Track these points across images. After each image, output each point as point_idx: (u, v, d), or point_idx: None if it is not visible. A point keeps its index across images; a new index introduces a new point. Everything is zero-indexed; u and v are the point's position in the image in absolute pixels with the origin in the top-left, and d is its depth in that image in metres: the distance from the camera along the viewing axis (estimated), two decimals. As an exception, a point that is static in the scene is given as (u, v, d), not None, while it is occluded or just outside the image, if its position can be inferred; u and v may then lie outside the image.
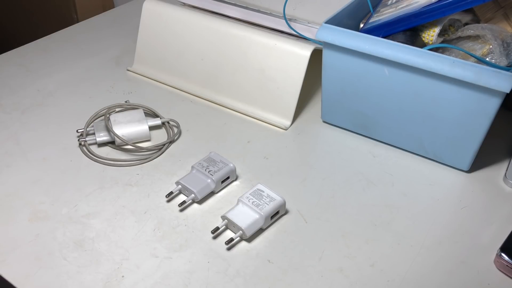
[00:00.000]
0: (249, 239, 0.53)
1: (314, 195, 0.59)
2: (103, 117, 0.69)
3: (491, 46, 0.59)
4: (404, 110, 0.61)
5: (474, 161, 0.61)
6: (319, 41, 0.63)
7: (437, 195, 0.59)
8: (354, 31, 0.60)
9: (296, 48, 0.67)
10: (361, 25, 0.69)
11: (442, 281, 0.49)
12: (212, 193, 0.59)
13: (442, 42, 0.63)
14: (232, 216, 0.53)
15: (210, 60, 0.74)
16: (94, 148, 0.65)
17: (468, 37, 0.62)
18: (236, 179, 0.61)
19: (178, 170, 0.62)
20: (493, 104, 0.55)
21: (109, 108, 0.70)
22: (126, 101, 0.72)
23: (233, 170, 0.59)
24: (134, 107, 0.70)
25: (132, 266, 0.50)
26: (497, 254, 0.50)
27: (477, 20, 0.66)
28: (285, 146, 0.66)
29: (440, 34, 0.62)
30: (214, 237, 0.53)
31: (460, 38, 0.62)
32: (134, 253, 0.51)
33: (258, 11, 0.77)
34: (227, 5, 0.80)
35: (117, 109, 0.70)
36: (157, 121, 0.68)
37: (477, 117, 0.57)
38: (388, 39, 0.59)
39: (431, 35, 0.61)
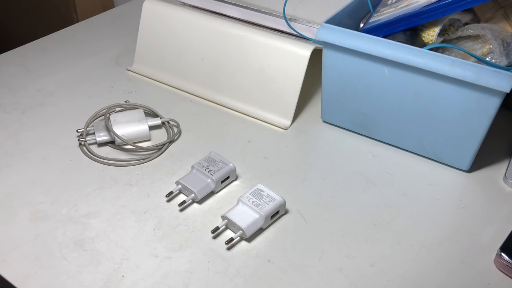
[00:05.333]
0: (249, 239, 0.53)
1: (314, 195, 0.59)
2: (103, 117, 0.69)
3: (491, 46, 0.59)
4: (404, 110, 0.61)
5: (474, 161, 0.61)
6: (319, 41, 0.63)
7: (437, 195, 0.59)
8: (354, 31, 0.60)
9: (296, 48, 0.67)
10: (361, 25, 0.69)
11: (442, 281, 0.49)
12: (212, 193, 0.59)
13: (442, 42, 0.63)
14: (232, 216, 0.53)
15: (210, 60, 0.74)
16: (94, 148, 0.65)
17: (468, 37, 0.62)
18: (236, 179, 0.61)
19: (178, 170, 0.62)
20: (493, 104, 0.55)
21: (109, 108, 0.70)
22: (126, 101, 0.72)
23: (233, 170, 0.59)
24: (134, 107, 0.70)
25: (132, 266, 0.50)
26: (497, 254, 0.50)
27: (477, 20, 0.66)
28: (285, 146, 0.66)
29: (440, 34, 0.62)
30: (214, 237, 0.53)
31: (460, 38, 0.62)
32: (134, 253, 0.51)
33: (258, 11, 0.77)
34: (227, 5, 0.80)
35: (117, 109, 0.70)
36: (157, 121, 0.68)
37: (477, 117, 0.57)
38: (388, 39, 0.59)
39: (431, 35, 0.61)
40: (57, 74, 0.79)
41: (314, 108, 0.73)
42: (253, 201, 0.54)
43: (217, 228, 0.53)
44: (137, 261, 0.51)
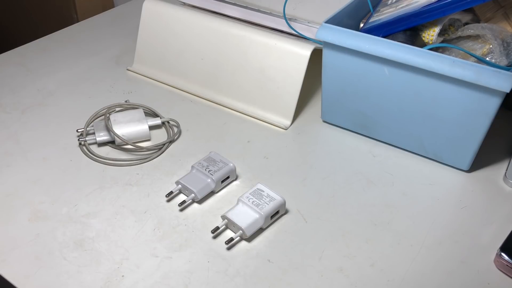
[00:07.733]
0: (249, 239, 0.53)
1: (314, 195, 0.59)
2: (103, 116, 0.69)
3: (491, 46, 0.59)
4: (404, 110, 0.61)
5: (474, 161, 0.61)
6: (319, 41, 0.63)
7: (437, 195, 0.59)
8: (354, 30, 0.60)
9: (296, 48, 0.67)
10: (361, 25, 0.69)
11: (442, 281, 0.49)
12: (212, 193, 0.59)
13: (442, 41, 0.62)
14: (232, 215, 0.53)
15: (210, 60, 0.74)
16: (94, 148, 0.65)
17: (468, 37, 0.62)
18: (236, 179, 0.61)
19: (178, 169, 0.62)
20: (493, 104, 0.55)
21: (109, 107, 0.70)
22: (126, 101, 0.72)
23: (233, 170, 0.59)
24: (134, 107, 0.70)
25: (132, 266, 0.50)
26: (497, 254, 0.51)
27: (477, 20, 0.66)
28: (285, 146, 0.66)
29: (440, 34, 0.62)
30: (214, 237, 0.53)
31: (460, 38, 0.62)
32: (134, 253, 0.51)
33: (258, 11, 0.77)
34: (227, 5, 0.80)
35: (117, 109, 0.70)
36: (157, 121, 0.68)
37: (477, 117, 0.57)
38: (388, 38, 0.59)
39: (431, 34, 0.61)
40: (57, 74, 0.79)
41: (314, 108, 0.73)
42: (253, 201, 0.54)
43: (217, 228, 0.53)
44: (137, 261, 0.51)
